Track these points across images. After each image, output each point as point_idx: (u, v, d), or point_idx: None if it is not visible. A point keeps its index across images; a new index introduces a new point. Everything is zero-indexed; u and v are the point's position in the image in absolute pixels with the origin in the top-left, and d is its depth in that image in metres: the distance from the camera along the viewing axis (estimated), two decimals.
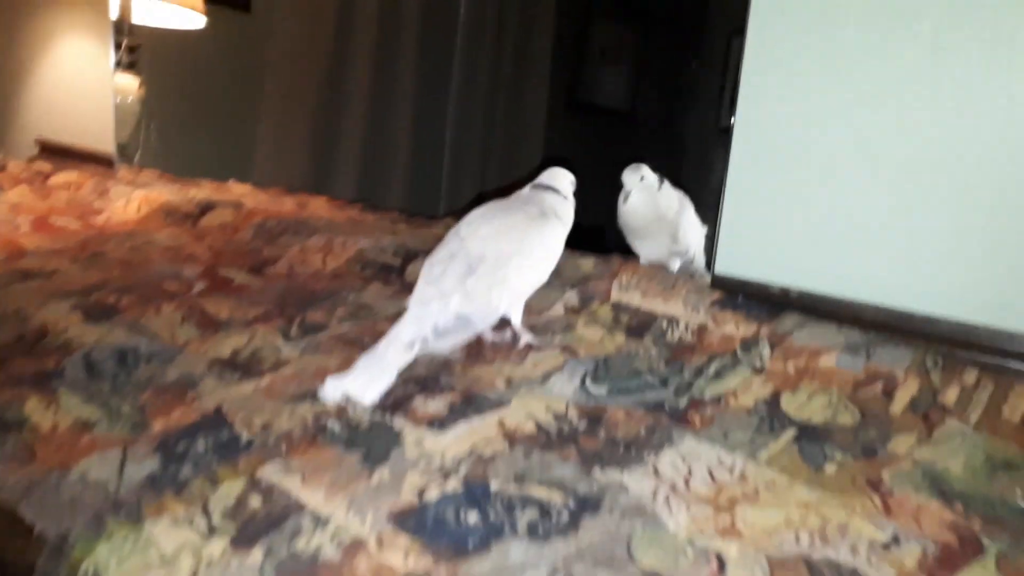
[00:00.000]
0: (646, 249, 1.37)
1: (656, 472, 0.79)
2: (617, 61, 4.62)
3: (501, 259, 1.00)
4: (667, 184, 1.35)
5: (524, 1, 3.85)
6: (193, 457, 0.84)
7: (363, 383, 0.91)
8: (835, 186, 1.09)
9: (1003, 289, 0.98)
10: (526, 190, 1.16)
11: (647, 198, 1.30)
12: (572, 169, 1.17)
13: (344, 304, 1.28)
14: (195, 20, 2.34)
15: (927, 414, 0.90)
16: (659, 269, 1.26)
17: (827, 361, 1.00)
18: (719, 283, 1.16)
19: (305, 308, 1.26)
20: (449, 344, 0.99)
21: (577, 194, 1.16)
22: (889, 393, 0.94)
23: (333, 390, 0.91)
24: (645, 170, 1.30)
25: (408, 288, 1.38)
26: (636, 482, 0.77)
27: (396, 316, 1.22)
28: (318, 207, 2.33)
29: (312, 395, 0.96)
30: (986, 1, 0.98)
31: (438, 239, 1.80)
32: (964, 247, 1.01)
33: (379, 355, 0.93)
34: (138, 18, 2.28)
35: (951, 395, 0.93)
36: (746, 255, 1.14)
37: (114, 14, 2.15)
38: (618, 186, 1.32)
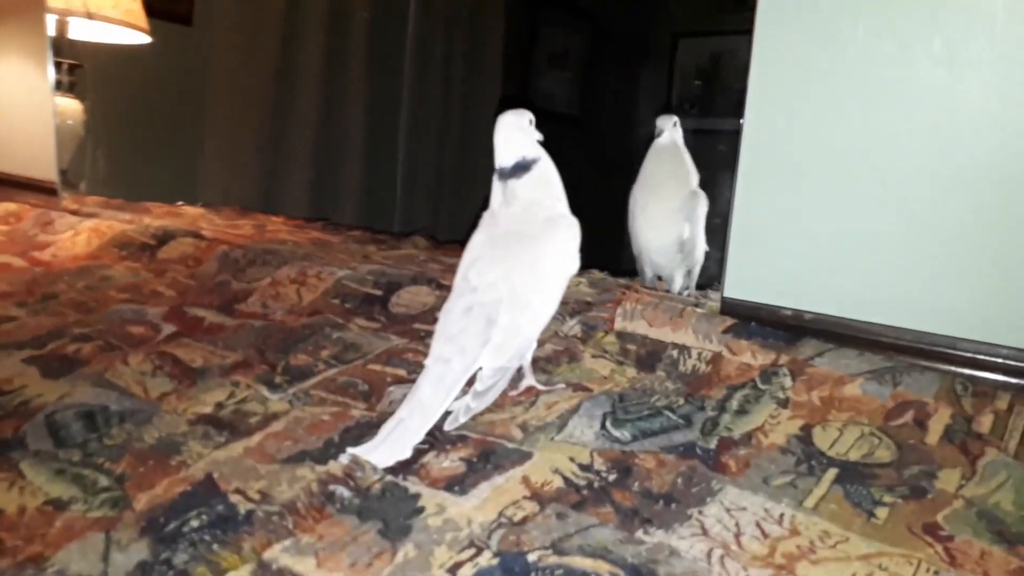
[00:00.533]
0: (654, 230, 1.33)
1: (704, 530, 0.73)
2: (565, 67, 4.61)
3: (520, 296, 0.93)
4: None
5: (472, 11, 3.79)
6: (188, 538, 0.75)
7: (386, 453, 0.83)
8: (847, 204, 1.05)
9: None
10: (496, 189, 1.00)
11: (673, 150, 1.33)
12: None
13: (328, 343, 1.19)
14: (137, 37, 2.21)
15: (965, 444, 0.86)
16: (664, 297, 1.21)
17: (852, 389, 0.96)
18: (728, 308, 1.12)
19: (287, 351, 1.17)
20: (490, 399, 0.92)
21: (540, 124, 1.03)
22: (921, 422, 0.90)
23: (349, 459, 0.83)
24: (676, 120, 1.34)
25: (394, 321, 1.30)
26: (686, 544, 0.71)
27: (386, 355, 1.15)
28: (277, 229, 2.22)
29: (311, 456, 0.88)
30: (1000, 17, 0.95)
31: (415, 263, 1.74)
32: (982, 265, 0.98)
33: (405, 426, 0.85)
34: (77, 36, 2.14)
35: (985, 422, 0.89)
36: (756, 278, 1.10)
37: (51, 32, 2.01)
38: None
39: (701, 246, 1.35)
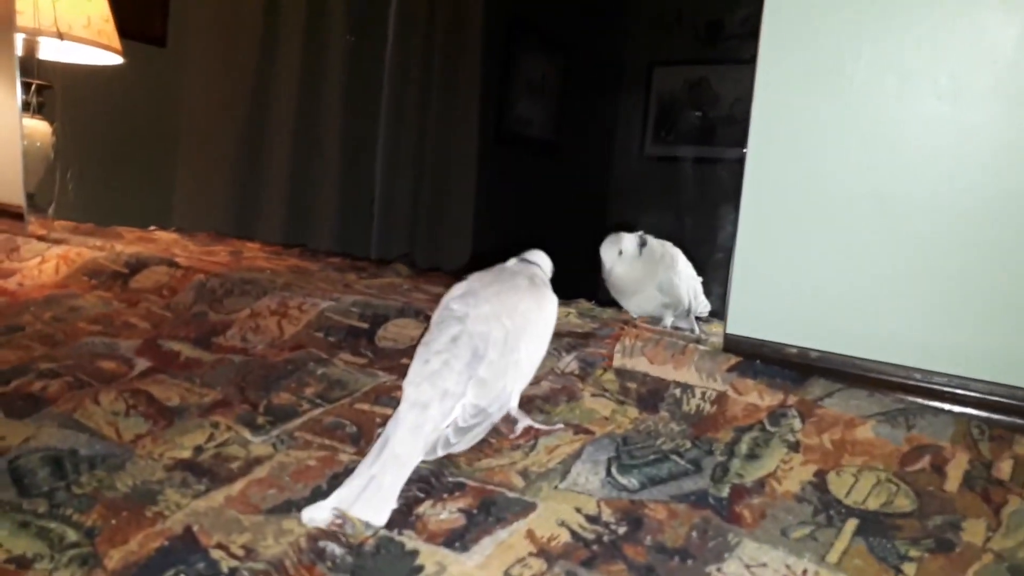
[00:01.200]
0: (635, 306, 1.29)
1: None
2: (542, 92, 4.61)
3: (511, 339, 0.88)
4: (650, 241, 1.28)
5: (450, 37, 3.77)
6: None
7: (362, 514, 0.77)
8: (853, 239, 1.02)
9: None
10: (511, 262, 1.08)
11: (629, 268, 1.27)
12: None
13: (312, 380, 1.13)
14: (110, 57, 2.14)
15: (987, 492, 0.83)
16: (664, 333, 1.17)
17: (864, 432, 0.92)
18: (732, 344, 1.08)
19: (268, 389, 1.11)
20: (470, 442, 0.87)
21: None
22: (939, 468, 0.87)
23: (319, 513, 0.77)
24: (624, 241, 1.26)
25: (381, 356, 1.25)
26: None
27: (374, 392, 1.10)
28: (254, 255, 2.16)
29: (298, 506, 0.82)
30: (1005, 49, 0.94)
31: (399, 292, 1.68)
32: (994, 302, 0.96)
33: (379, 485, 0.78)
34: (47, 56, 2.07)
35: (1005, 468, 0.86)
36: (760, 314, 1.07)
37: (19, 52, 1.94)
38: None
39: (687, 294, 1.32)
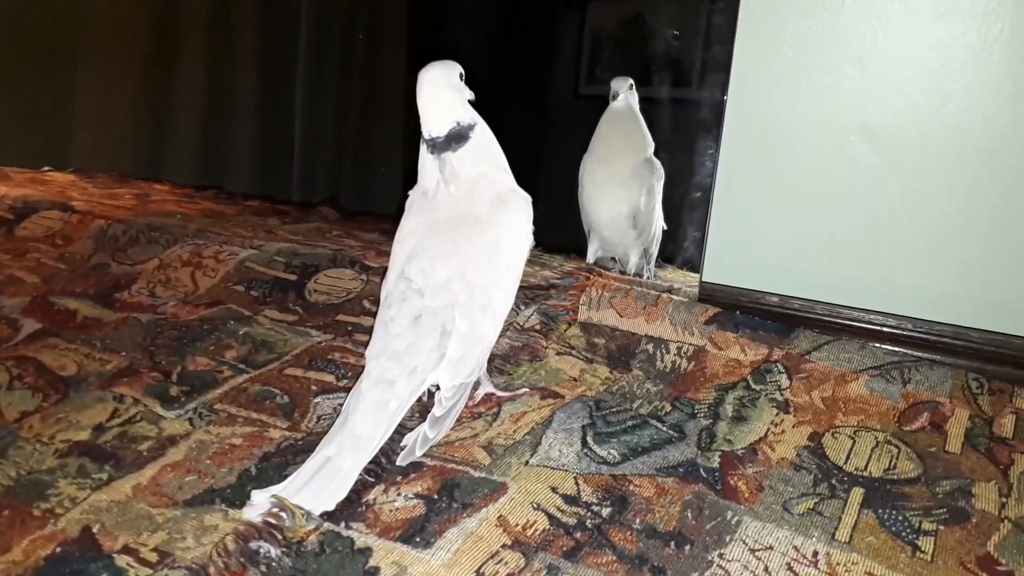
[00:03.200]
0: (605, 201, 1.19)
1: None
2: (474, 26, 4.39)
3: (479, 294, 0.76)
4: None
5: None
6: None
7: (310, 501, 0.65)
8: (841, 177, 0.93)
9: None
10: (429, 163, 0.80)
11: (631, 107, 1.24)
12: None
13: (233, 341, 0.99)
14: None
15: (991, 451, 0.76)
16: (633, 282, 1.06)
17: (857, 388, 0.85)
18: (707, 294, 0.99)
19: (183, 352, 0.96)
20: (449, 425, 0.75)
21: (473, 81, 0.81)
22: (939, 426, 0.80)
23: (262, 500, 0.65)
24: (632, 83, 1.24)
25: (313, 312, 1.11)
26: None
27: (307, 355, 0.96)
28: (163, 199, 1.97)
29: (223, 496, 0.69)
30: None
31: (327, 239, 1.53)
32: (992, 246, 0.89)
33: (336, 468, 0.66)
34: None
35: (1007, 424, 0.80)
36: (739, 261, 0.97)
37: None
38: None
39: (658, 221, 1.22)
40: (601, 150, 1.22)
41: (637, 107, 1.23)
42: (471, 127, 0.79)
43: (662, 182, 1.22)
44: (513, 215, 0.80)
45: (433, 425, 0.72)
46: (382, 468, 0.71)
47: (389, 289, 0.78)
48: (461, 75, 0.80)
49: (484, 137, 0.81)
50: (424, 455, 0.73)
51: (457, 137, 0.78)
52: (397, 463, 0.71)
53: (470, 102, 0.81)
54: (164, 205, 1.79)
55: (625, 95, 1.20)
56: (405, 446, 0.72)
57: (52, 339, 0.99)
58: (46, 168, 2.17)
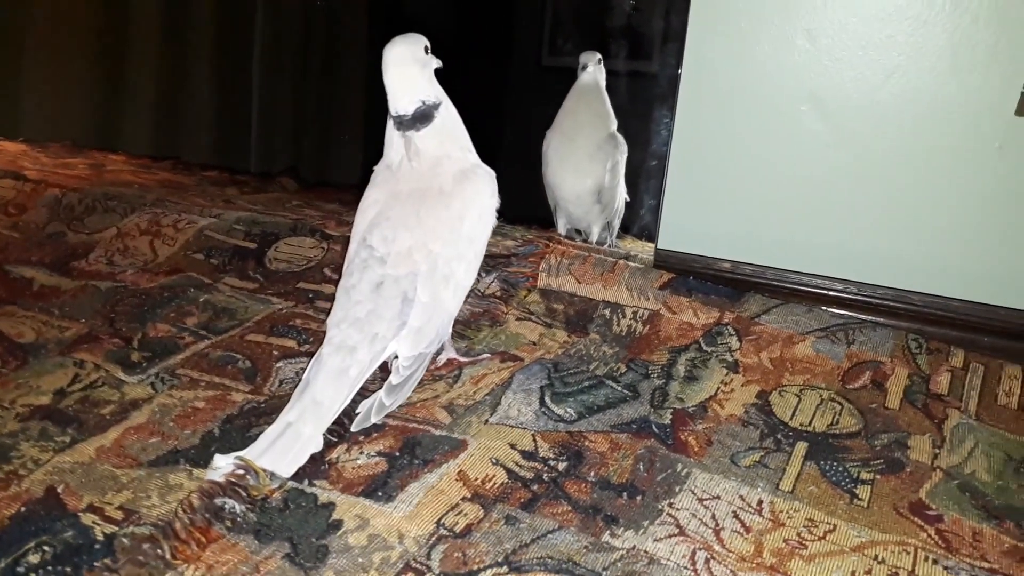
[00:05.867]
0: (570, 176, 1.21)
1: (680, 528, 0.62)
2: None
3: (442, 265, 0.77)
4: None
5: None
6: None
7: (274, 462, 0.66)
8: (790, 149, 0.96)
9: (977, 261, 0.90)
10: (396, 139, 0.80)
11: (598, 82, 1.23)
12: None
13: (194, 308, 0.99)
14: None
15: (927, 407, 0.81)
16: (590, 249, 1.08)
17: (804, 349, 0.88)
18: (662, 260, 1.01)
19: (143, 319, 0.96)
20: (407, 394, 0.76)
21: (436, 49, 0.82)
22: (880, 384, 0.84)
23: (225, 463, 0.66)
24: (600, 57, 1.24)
25: (274, 279, 1.11)
26: (664, 548, 0.60)
27: (268, 321, 0.97)
28: (119, 169, 1.93)
29: (187, 456, 0.70)
30: None
31: (287, 208, 1.52)
32: (933, 212, 0.92)
33: (296, 433, 0.68)
34: None
35: (943, 382, 0.84)
36: (692, 228, 1.00)
37: None
38: None
39: (621, 195, 1.24)
40: (567, 125, 1.23)
41: (603, 83, 1.24)
42: (436, 106, 0.79)
43: (625, 156, 1.23)
44: (477, 189, 0.81)
45: (390, 393, 0.73)
46: (344, 429, 0.73)
47: (351, 257, 0.79)
48: (426, 47, 0.80)
49: (449, 116, 0.81)
50: (386, 416, 0.75)
51: (422, 117, 0.78)
52: (351, 429, 0.72)
53: (437, 71, 0.82)
54: (120, 175, 1.76)
55: (593, 69, 1.21)
56: (359, 412, 0.74)
57: (8, 307, 0.98)
58: None
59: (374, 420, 0.73)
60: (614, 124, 1.21)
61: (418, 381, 0.77)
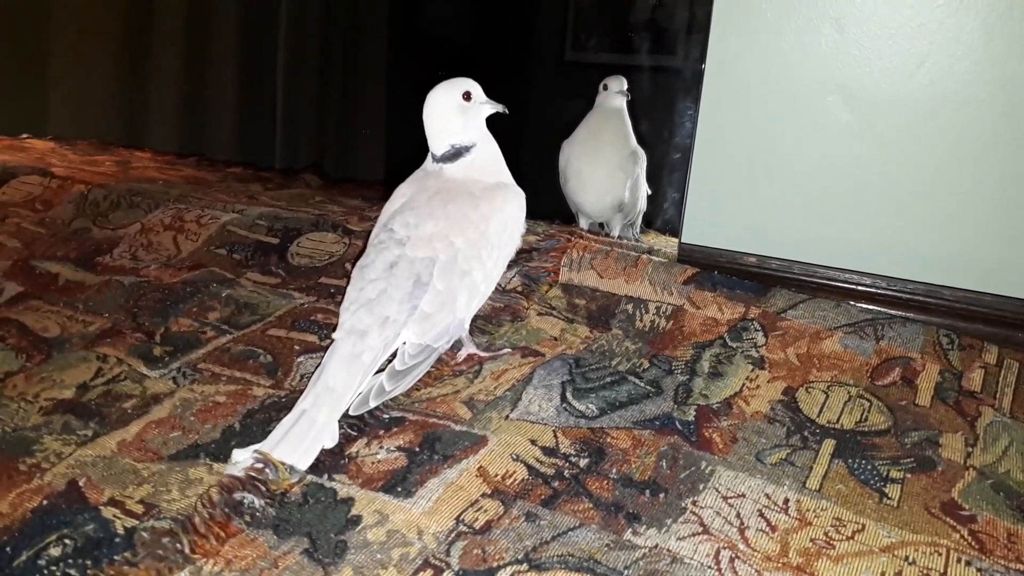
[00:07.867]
0: (590, 193, 1.20)
1: (704, 527, 0.61)
2: None
3: (461, 261, 0.77)
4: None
5: None
6: (46, 573, 0.57)
7: (290, 450, 0.66)
8: (817, 140, 0.94)
9: (1011, 255, 0.88)
10: (433, 168, 0.85)
11: (622, 108, 1.22)
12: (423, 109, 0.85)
13: (216, 303, 1.00)
14: None
15: (959, 404, 0.79)
16: (613, 243, 1.07)
17: (831, 345, 0.86)
18: (686, 255, 1.00)
19: (166, 314, 0.96)
20: (408, 385, 0.76)
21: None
22: (910, 381, 0.82)
23: (244, 457, 0.66)
24: (626, 84, 1.23)
25: (296, 275, 1.11)
26: (688, 547, 0.59)
27: (290, 316, 0.97)
28: (144, 166, 1.95)
29: (207, 451, 0.70)
30: None
31: (310, 204, 1.52)
32: (965, 206, 0.90)
33: (310, 421, 0.67)
34: None
35: (976, 379, 0.82)
36: (717, 222, 0.98)
37: None
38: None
39: (642, 201, 1.23)
40: (587, 146, 1.23)
41: (626, 110, 1.23)
42: (467, 148, 0.83)
43: (645, 165, 1.22)
44: (506, 199, 0.84)
45: (392, 378, 0.73)
46: (364, 422, 0.72)
47: (371, 241, 0.79)
48: (467, 94, 0.83)
49: (482, 156, 0.85)
50: (405, 409, 0.74)
51: (454, 156, 0.83)
52: (350, 412, 0.71)
53: (497, 114, 0.85)
54: (145, 172, 1.78)
55: (619, 93, 1.20)
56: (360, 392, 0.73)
57: (34, 302, 0.99)
58: (24, 136, 2.14)
59: (373, 404, 0.72)
60: (634, 143, 1.21)
61: (422, 374, 0.77)
